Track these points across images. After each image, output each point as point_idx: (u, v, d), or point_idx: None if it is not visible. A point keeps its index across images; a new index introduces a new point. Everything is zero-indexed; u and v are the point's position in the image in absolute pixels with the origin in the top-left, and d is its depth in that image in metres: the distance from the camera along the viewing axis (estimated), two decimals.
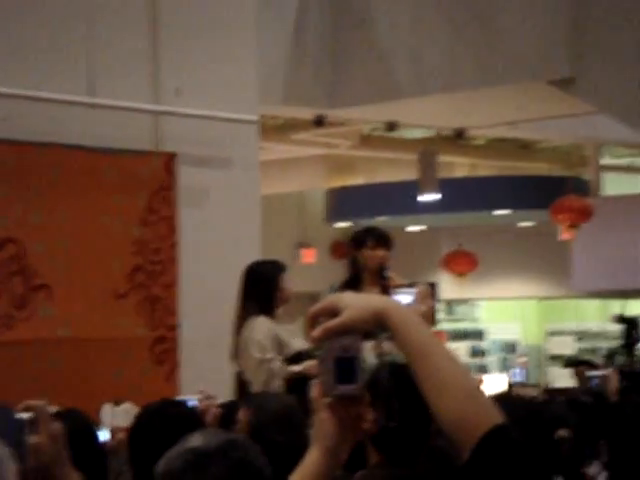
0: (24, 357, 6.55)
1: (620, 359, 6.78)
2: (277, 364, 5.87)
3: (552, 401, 5.26)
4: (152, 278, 7.12)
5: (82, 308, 6.82)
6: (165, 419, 3.13)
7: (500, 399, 3.59)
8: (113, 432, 4.43)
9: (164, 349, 7.13)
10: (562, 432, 4.13)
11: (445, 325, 16.53)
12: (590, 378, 6.25)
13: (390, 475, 2.90)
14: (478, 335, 17.64)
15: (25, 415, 2.04)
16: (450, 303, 16.96)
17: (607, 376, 6.01)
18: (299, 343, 6.14)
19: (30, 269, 6.65)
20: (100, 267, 6.93)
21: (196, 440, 1.97)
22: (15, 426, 2.00)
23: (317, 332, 1.72)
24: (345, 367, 1.76)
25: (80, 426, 3.36)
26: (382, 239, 6.24)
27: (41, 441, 2.03)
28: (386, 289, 6.23)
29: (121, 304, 6.99)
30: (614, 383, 5.90)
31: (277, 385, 5.83)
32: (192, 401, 3.63)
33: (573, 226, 12.02)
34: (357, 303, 1.74)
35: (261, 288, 5.99)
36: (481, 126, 11.24)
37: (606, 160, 15.08)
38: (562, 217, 12.00)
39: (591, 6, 8.26)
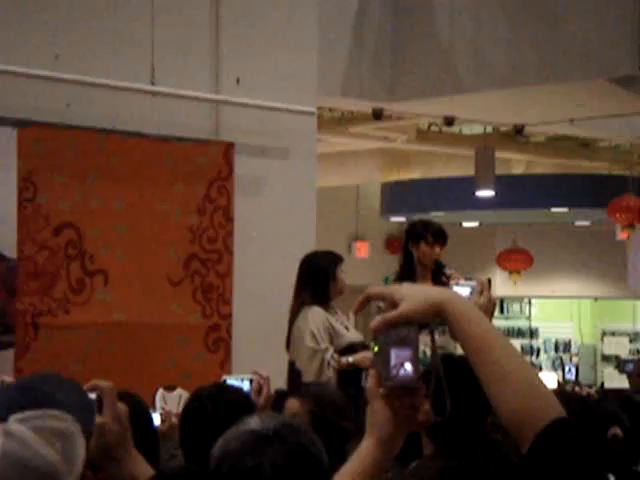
0: (80, 340, 6.61)
1: None
2: (330, 354, 5.88)
3: (605, 399, 5.21)
4: (207, 266, 7.16)
5: (138, 294, 6.88)
6: (217, 403, 3.14)
7: (554, 394, 3.56)
8: (165, 417, 4.46)
9: (218, 337, 7.17)
10: (615, 430, 4.10)
11: (498, 322, 16.45)
12: (625, 362, 6.23)
13: (445, 467, 2.90)
14: (531, 333, 17.54)
15: (92, 395, 2.07)
16: (503, 301, 16.87)
17: (638, 361, 5.98)
18: (353, 334, 6.15)
19: (87, 254, 6.71)
20: (156, 254, 6.98)
21: (254, 422, 1.98)
22: (85, 403, 2.03)
23: (375, 323, 1.72)
24: (401, 358, 1.69)
25: (137, 409, 3.39)
26: (440, 235, 6.23)
27: (106, 421, 2.06)
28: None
29: (176, 291, 7.04)
30: None
31: (330, 375, 5.84)
32: (245, 379, 3.63)
33: (630, 226, 11.91)
34: (416, 295, 1.74)
35: (317, 278, 6.01)
36: (540, 123, 11.16)
37: None
38: (619, 216, 11.89)
39: None
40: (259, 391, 3.54)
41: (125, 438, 2.10)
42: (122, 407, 2.10)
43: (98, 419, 2.06)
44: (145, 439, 3.41)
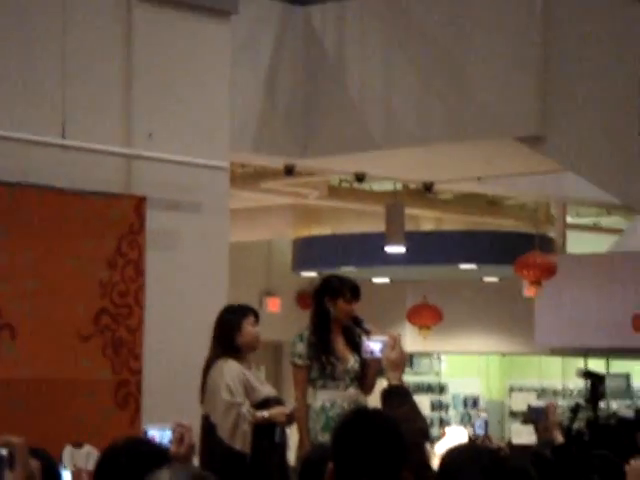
0: None
1: (584, 414, 6.81)
2: (246, 408, 5.86)
3: (515, 455, 5.28)
4: (117, 321, 7.10)
5: (46, 349, 6.78)
6: (131, 455, 3.10)
7: (465, 448, 3.61)
8: (76, 474, 4.39)
9: (127, 393, 7.09)
10: None
11: (407, 378, 16.50)
12: (532, 410, 6.31)
13: None
14: (440, 389, 17.64)
15: (3, 451, 2.03)
16: (413, 356, 16.95)
17: (547, 407, 6.09)
18: (267, 389, 6.14)
19: None
20: (65, 309, 6.90)
21: (164, 477, 1.96)
22: None
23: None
24: None
25: (47, 466, 3.33)
26: (357, 292, 6.30)
27: (17, 478, 2.02)
28: (350, 337, 6.25)
29: (85, 346, 6.96)
30: (554, 415, 5.97)
31: (245, 429, 5.81)
32: (167, 429, 3.60)
33: (537, 282, 12.09)
34: None
35: (223, 331, 6.02)
36: (449, 180, 11.32)
37: (572, 218, 15.22)
38: (526, 273, 12.07)
39: (561, 65, 8.39)
40: (181, 440, 3.51)
41: None
42: (34, 463, 2.07)
43: (10, 475, 2.02)
44: None
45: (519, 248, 12.42)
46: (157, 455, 3.09)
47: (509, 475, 3.72)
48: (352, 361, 6.26)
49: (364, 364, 6.22)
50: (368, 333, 6.04)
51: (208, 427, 5.92)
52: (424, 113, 8.97)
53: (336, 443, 3.04)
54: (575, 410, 6.34)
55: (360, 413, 3.28)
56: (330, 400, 6.21)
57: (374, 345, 4.07)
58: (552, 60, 8.39)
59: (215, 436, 5.85)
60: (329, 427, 6.14)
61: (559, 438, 5.83)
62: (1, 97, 6.73)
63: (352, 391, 6.25)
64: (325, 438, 6.11)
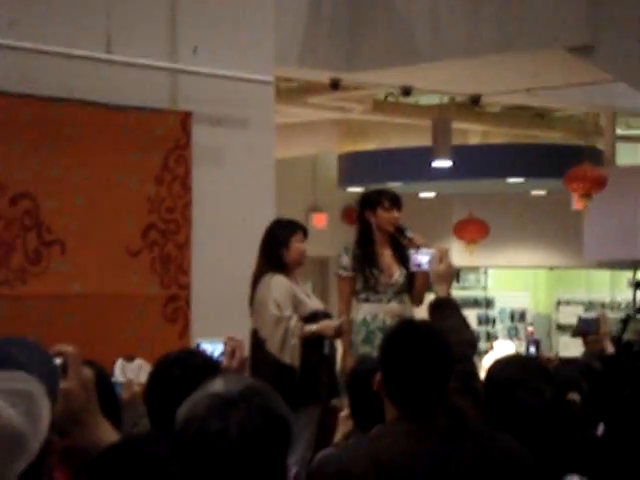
0: (37, 311, 6.58)
1: (634, 326, 6.79)
2: (294, 322, 5.89)
3: (564, 366, 5.28)
4: (166, 236, 7.14)
5: (95, 264, 6.84)
6: (184, 367, 3.14)
7: (513, 359, 3.62)
8: (127, 385, 4.45)
9: (176, 307, 7.16)
10: (573, 395, 4.15)
11: (454, 292, 16.50)
12: (583, 321, 6.29)
13: (407, 430, 2.91)
14: (487, 303, 17.65)
15: (57, 360, 2.05)
16: (459, 271, 16.95)
17: (599, 319, 6.08)
18: (315, 303, 6.17)
19: (44, 224, 6.66)
20: (114, 224, 6.94)
21: (218, 385, 1.98)
22: (49, 366, 2.01)
23: None
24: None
25: (98, 377, 3.37)
26: (396, 201, 6.29)
27: (71, 386, 2.04)
28: (398, 250, 6.26)
29: (134, 261, 7.01)
30: (605, 326, 5.97)
31: (294, 343, 5.85)
32: (219, 343, 3.63)
33: (586, 195, 11.98)
34: None
35: (271, 246, 6.03)
36: (497, 93, 11.18)
37: (622, 130, 15.01)
38: (575, 186, 11.95)
39: None
40: (233, 354, 3.53)
41: (91, 403, 2.08)
42: (88, 372, 2.09)
43: (63, 384, 2.04)
44: (107, 406, 3.40)
45: (567, 161, 12.29)
46: (209, 367, 3.12)
47: (559, 385, 3.72)
48: (397, 274, 6.26)
49: (412, 277, 6.23)
50: (410, 241, 6.06)
51: (257, 341, 5.97)
52: (471, 25, 8.84)
53: (384, 354, 3.07)
54: (625, 321, 6.33)
55: (408, 324, 3.31)
56: (372, 313, 6.24)
57: (422, 258, 4.07)
58: None
59: (264, 350, 5.90)
60: (370, 340, 6.19)
61: (609, 349, 5.82)
62: (45, 12, 6.70)
63: (395, 305, 6.26)
64: (365, 350, 6.17)
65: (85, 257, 6.79)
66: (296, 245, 6.10)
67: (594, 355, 5.78)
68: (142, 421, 4.06)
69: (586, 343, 6.49)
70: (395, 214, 6.27)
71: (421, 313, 4.53)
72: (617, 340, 6.05)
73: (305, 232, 6.21)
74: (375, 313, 6.25)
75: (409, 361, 3.00)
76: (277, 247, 6.05)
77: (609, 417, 3.74)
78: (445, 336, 3.14)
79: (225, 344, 3.57)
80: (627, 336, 6.45)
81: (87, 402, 2.08)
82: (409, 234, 6.19)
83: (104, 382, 3.39)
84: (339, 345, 6.35)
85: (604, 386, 4.44)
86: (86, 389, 2.08)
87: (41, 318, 6.56)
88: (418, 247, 5.50)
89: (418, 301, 6.33)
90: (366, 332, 6.26)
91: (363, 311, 6.28)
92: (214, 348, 3.63)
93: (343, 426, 3.95)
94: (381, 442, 2.90)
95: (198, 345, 3.72)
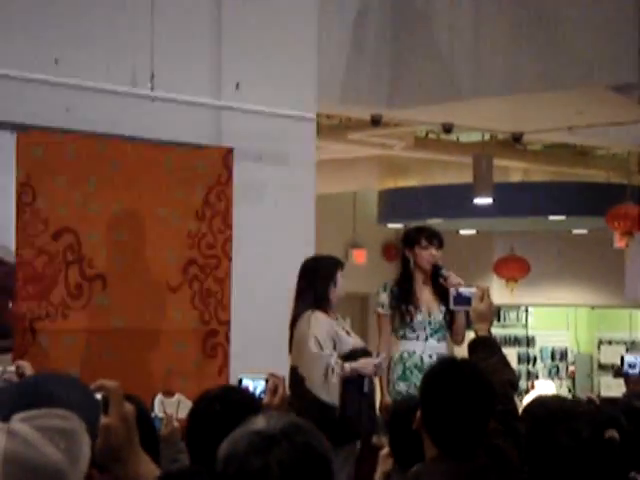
0: (78, 346, 6.60)
1: None
2: (335, 360, 5.87)
3: (607, 405, 5.22)
4: (206, 272, 7.15)
5: (136, 299, 6.86)
6: (224, 403, 3.13)
7: (550, 398, 3.58)
8: (166, 420, 4.45)
9: (216, 343, 7.16)
10: (611, 432, 4.09)
11: (495, 330, 16.41)
12: (628, 364, 6.21)
13: (447, 469, 2.89)
14: (528, 342, 17.52)
15: (98, 395, 2.05)
16: (500, 309, 16.86)
17: None
18: (354, 340, 6.14)
19: (86, 259, 6.70)
20: (155, 259, 6.97)
21: (260, 423, 1.97)
22: (90, 402, 2.01)
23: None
24: None
25: (138, 411, 3.37)
26: (434, 238, 6.28)
27: (112, 421, 2.03)
28: (439, 288, 6.24)
29: (174, 297, 7.03)
30: None
31: (334, 382, 5.83)
32: (261, 379, 3.61)
33: (627, 234, 11.91)
34: None
35: (318, 283, 6.01)
36: (539, 131, 11.16)
37: None
38: (617, 224, 11.89)
39: None
40: (275, 391, 3.52)
41: (131, 439, 2.08)
42: (129, 407, 2.09)
43: (104, 419, 2.04)
44: (147, 442, 3.39)
45: (609, 199, 12.23)
46: (251, 404, 3.11)
47: (598, 423, 3.68)
48: (436, 312, 6.24)
49: (452, 315, 6.20)
50: (445, 279, 6.05)
51: (296, 379, 5.95)
52: (513, 62, 8.84)
53: (424, 391, 3.06)
54: None
55: (449, 362, 3.29)
56: (408, 350, 6.24)
57: (463, 296, 4.06)
58: None
59: (304, 388, 5.88)
60: (406, 377, 6.18)
61: None
62: (90, 49, 6.77)
63: (433, 342, 6.24)
64: (401, 387, 6.15)
65: (126, 292, 6.82)
66: (342, 281, 6.10)
67: (636, 395, 5.70)
68: (181, 457, 4.05)
69: (628, 384, 6.41)
70: (433, 252, 6.26)
71: (462, 352, 4.50)
72: None
73: (343, 267, 6.22)
74: (412, 350, 6.24)
75: (449, 399, 2.99)
76: (325, 284, 6.04)
77: None
78: (486, 375, 3.12)
79: (267, 381, 3.55)
80: None
81: (128, 438, 2.07)
82: (445, 273, 6.18)
83: (144, 417, 3.39)
84: (378, 382, 6.33)
85: None
86: (127, 424, 2.07)
87: (82, 353, 6.58)
88: (454, 286, 5.51)
89: (459, 340, 6.31)
90: (402, 369, 6.25)
91: (400, 348, 6.28)
92: (256, 384, 3.62)
93: (383, 464, 3.92)
94: None
95: (240, 381, 3.71)
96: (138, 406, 3.46)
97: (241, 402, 3.14)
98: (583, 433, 3.07)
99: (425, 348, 6.24)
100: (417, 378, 6.11)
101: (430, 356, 6.15)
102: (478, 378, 3.08)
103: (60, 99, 6.59)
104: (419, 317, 6.26)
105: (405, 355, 6.25)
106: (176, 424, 4.33)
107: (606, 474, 3.17)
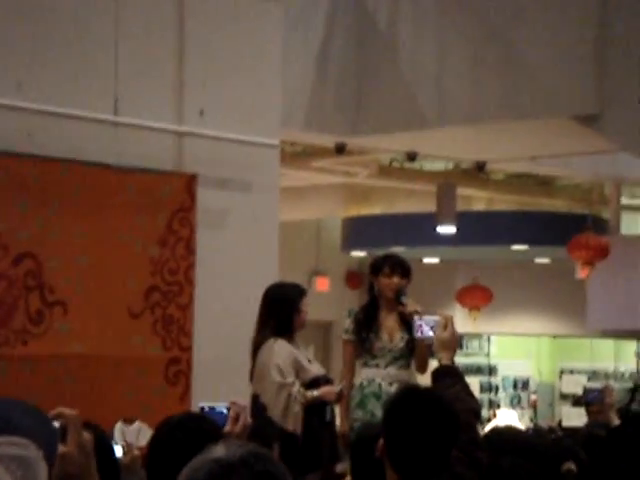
0: (38, 372, 6.53)
1: None
2: (296, 388, 5.85)
3: (568, 436, 5.23)
4: (168, 298, 7.11)
5: (97, 325, 6.81)
6: (186, 431, 3.09)
7: (506, 429, 3.59)
8: (127, 449, 4.40)
9: (178, 370, 7.11)
10: (569, 465, 4.09)
11: (457, 359, 16.43)
12: (589, 391, 6.25)
13: None
14: (490, 371, 17.56)
15: (56, 423, 2.02)
16: (462, 337, 16.89)
17: (604, 389, 6.03)
18: (316, 368, 6.12)
19: (46, 285, 6.64)
20: (116, 285, 6.92)
21: (220, 451, 1.94)
22: (47, 430, 1.97)
23: None
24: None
25: (99, 440, 3.33)
26: (398, 266, 6.28)
27: (70, 450, 2.00)
28: (403, 316, 6.23)
29: (136, 323, 6.98)
30: (610, 397, 5.92)
31: (296, 410, 5.81)
32: (222, 407, 3.58)
33: (590, 264, 11.96)
34: None
35: (281, 310, 5.99)
36: (502, 160, 11.22)
37: (627, 199, 15.03)
38: (578, 254, 11.95)
39: (617, 44, 8.25)
40: (236, 419, 3.49)
41: (89, 468, 2.04)
42: (87, 436, 2.05)
43: (62, 448, 2.00)
44: (107, 470, 3.36)
45: (572, 229, 12.29)
46: (213, 432, 3.07)
47: (557, 456, 3.68)
48: (397, 339, 6.23)
49: (414, 343, 6.19)
50: (404, 306, 6.06)
51: (258, 407, 5.91)
52: (477, 91, 8.89)
53: (387, 418, 3.05)
54: (634, 390, 6.29)
55: (411, 390, 3.28)
56: (368, 378, 6.22)
57: (425, 325, 4.05)
58: (609, 38, 8.26)
59: (265, 416, 5.84)
60: (363, 404, 6.17)
61: (615, 420, 5.76)
62: (53, 73, 6.74)
63: (393, 370, 6.22)
64: (358, 415, 6.14)
65: (87, 318, 6.76)
66: (304, 309, 6.08)
67: (599, 425, 5.72)
68: None
69: (589, 413, 6.44)
70: (395, 280, 6.25)
71: (425, 380, 4.49)
72: (624, 411, 6.00)
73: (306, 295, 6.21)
74: (372, 378, 6.22)
75: (412, 427, 2.97)
76: (289, 311, 6.02)
77: None
78: (450, 403, 3.11)
79: (228, 409, 3.53)
80: (635, 406, 6.40)
81: (85, 467, 2.04)
82: (404, 300, 6.18)
83: (104, 445, 3.35)
84: (338, 410, 6.31)
85: (606, 456, 4.38)
86: (85, 453, 2.04)
87: (41, 379, 6.51)
88: (411, 313, 5.53)
89: (421, 368, 6.29)
90: (360, 397, 6.23)
91: (361, 375, 6.27)
92: (216, 412, 3.59)
93: None
94: None
95: (202, 409, 3.68)
96: (98, 434, 3.42)
97: (203, 430, 3.11)
98: (540, 466, 3.06)
99: (385, 376, 6.22)
100: (374, 406, 6.10)
101: (390, 384, 6.13)
102: (442, 406, 3.07)
103: (22, 123, 6.55)
104: (379, 344, 6.24)
105: (364, 382, 6.23)
106: (136, 452, 4.28)
107: None
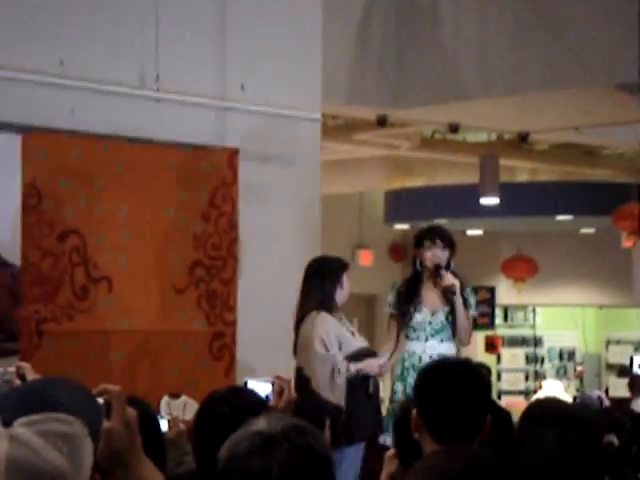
0: (84, 348, 6.59)
1: None
2: (340, 361, 5.86)
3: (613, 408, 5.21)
4: (211, 273, 7.14)
5: (142, 301, 6.86)
6: (231, 405, 3.12)
7: (548, 403, 3.59)
8: (172, 423, 4.44)
9: (222, 345, 7.15)
10: (610, 437, 4.07)
11: (503, 331, 16.40)
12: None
13: (448, 455, 2.88)
14: (535, 342, 17.50)
15: (100, 399, 2.05)
16: (507, 309, 16.84)
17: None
18: (359, 341, 6.13)
19: (91, 261, 6.70)
20: (160, 261, 6.96)
21: (261, 424, 1.96)
22: (92, 407, 2.00)
23: None
24: None
25: (145, 414, 3.39)
26: (438, 238, 6.24)
27: (114, 426, 2.03)
28: (445, 290, 6.21)
29: (180, 298, 7.02)
30: None
31: (340, 382, 5.82)
32: (267, 382, 3.59)
33: (634, 233, 11.87)
34: None
35: (324, 284, 6.00)
36: (545, 130, 11.13)
37: None
38: (623, 224, 11.86)
39: None
40: (280, 393, 3.48)
41: (134, 443, 2.06)
42: (132, 412, 2.07)
43: (106, 424, 2.03)
44: (153, 444, 3.40)
45: (617, 199, 12.20)
46: (258, 406, 3.10)
47: (601, 427, 3.67)
48: (439, 312, 6.20)
49: (455, 316, 6.17)
50: (441, 279, 6.04)
51: (302, 380, 5.94)
52: (519, 61, 8.82)
53: (419, 392, 3.10)
54: None
55: (439, 362, 3.34)
56: (409, 351, 6.22)
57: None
58: None
59: (310, 389, 5.87)
60: (403, 377, 6.17)
61: None
62: (95, 50, 6.77)
63: (434, 343, 6.20)
64: (397, 387, 6.14)
65: (131, 294, 6.81)
66: (347, 282, 6.08)
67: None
68: (187, 459, 4.05)
69: (633, 385, 6.38)
70: (436, 252, 6.21)
71: (470, 353, 4.49)
72: None
73: (349, 269, 6.21)
74: (412, 351, 6.22)
75: (444, 394, 3.05)
76: (331, 284, 6.02)
77: None
78: (480, 370, 3.21)
79: (273, 383, 3.52)
80: None
81: (130, 442, 2.06)
82: (442, 273, 6.14)
83: (150, 419, 3.40)
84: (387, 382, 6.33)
85: None
86: (129, 429, 2.06)
87: (87, 354, 6.58)
88: (446, 288, 5.52)
89: (462, 340, 6.27)
90: (401, 369, 6.24)
91: (405, 348, 6.27)
92: (262, 387, 3.59)
93: (388, 465, 3.90)
94: None
95: (245, 383, 3.69)
96: (143, 409, 3.47)
97: (248, 404, 3.13)
98: (584, 437, 3.05)
99: (425, 348, 6.21)
100: (413, 378, 6.11)
101: (430, 357, 6.12)
102: (470, 370, 3.15)
103: (65, 100, 6.59)
104: (419, 317, 6.22)
105: (405, 355, 6.23)
106: (182, 426, 4.31)
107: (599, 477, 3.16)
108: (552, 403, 3.42)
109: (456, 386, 3.06)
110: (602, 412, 4.79)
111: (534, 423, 3.19)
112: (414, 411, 3.06)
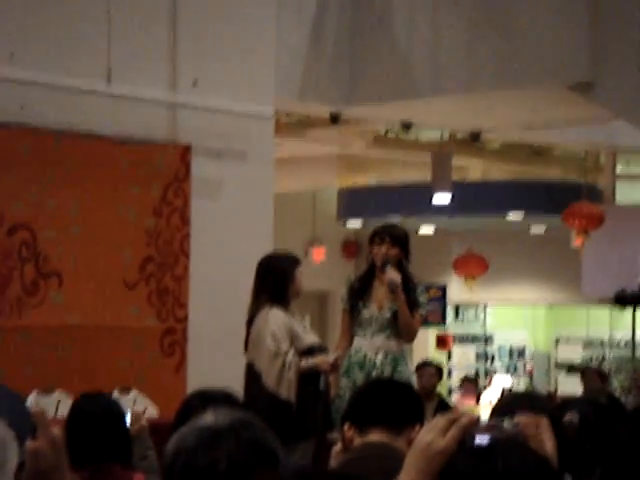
0: (33, 343, 6.55)
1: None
2: (291, 356, 5.86)
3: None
4: (163, 269, 7.12)
5: (92, 296, 6.83)
6: (205, 399, 3.12)
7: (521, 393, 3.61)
8: (135, 418, 4.40)
9: (173, 341, 7.13)
10: (571, 415, 4.08)
11: (453, 329, 16.48)
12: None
13: None
14: (486, 340, 17.60)
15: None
16: (458, 307, 16.92)
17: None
18: (311, 337, 6.13)
19: (41, 255, 6.66)
20: (112, 256, 6.94)
21: (208, 418, 1.95)
22: (20, 411, 1.98)
23: None
24: None
25: (111, 409, 3.45)
26: (387, 236, 6.25)
27: (40, 446, 2.00)
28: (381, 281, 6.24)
29: (131, 294, 7.00)
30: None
31: (290, 378, 5.82)
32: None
33: (584, 232, 11.98)
34: None
35: (276, 280, 5.99)
36: (497, 129, 11.20)
37: (622, 168, 15.03)
38: (573, 222, 11.95)
39: (611, 11, 8.23)
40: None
41: (60, 463, 2.03)
42: (57, 432, 2.04)
43: (32, 444, 2.00)
44: (119, 440, 3.43)
45: (567, 198, 12.30)
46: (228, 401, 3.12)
47: (559, 407, 3.71)
48: (385, 309, 6.21)
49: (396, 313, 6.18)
50: (384, 274, 6.07)
51: (252, 375, 5.93)
52: (472, 60, 8.86)
53: (351, 408, 3.17)
54: None
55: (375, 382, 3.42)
56: (355, 347, 6.23)
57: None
58: (603, 5, 8.24)
59: (260, 384, 5.86)
60: (348, 373, 6.18)
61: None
62: (47, 45, 6.72)
63: (379, 340, 6.21)
64: (343, 383, 6.15)
65: (82, 289, 6.78)
66: (299, 278, 6.08)
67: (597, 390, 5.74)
68: (150, 453, 4.05)
69: (585, 377, 6.45)
70: (382, 249, 6.23)
71: (416, 348, 4.52)
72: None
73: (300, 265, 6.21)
74: (359, 347, 6.23)
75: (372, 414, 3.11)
76: (283, 280, 6.02)
77: (606, 458, 3.69)
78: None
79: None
80: None
81: (57, 461, 2.03)
82: (387, 269, 6.15)
83: (116, 415, 3.44)
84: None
85: (607, 421, 4.38)
86: (56, 449, 2.03)
87: (37, 349, 6.53)
88: (388, 281, 5.56)
89: (406, 336, 6.28)
90: (347, 364, 6.24)
91: (353, 344, 6.29)
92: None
93: (335, 460, 3.91)
94: None
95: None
96: (110, 405, 3.52)
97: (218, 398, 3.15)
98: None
99: (371, 345, 6.22)
100: (357, 375, 6.12)
101: (376, 353, 6.14)
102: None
103: (14, 95, 6.54)
104: (366, 313, 6.23)
105: (352, 352, 6.25)
106: (144, 421, 4.29)
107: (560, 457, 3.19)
108: (519, 393, 3.47)
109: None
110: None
111: (509, 410, 3.21)
112: (345, 426, 3.10)
